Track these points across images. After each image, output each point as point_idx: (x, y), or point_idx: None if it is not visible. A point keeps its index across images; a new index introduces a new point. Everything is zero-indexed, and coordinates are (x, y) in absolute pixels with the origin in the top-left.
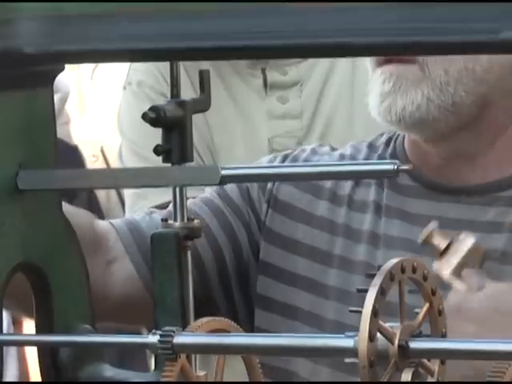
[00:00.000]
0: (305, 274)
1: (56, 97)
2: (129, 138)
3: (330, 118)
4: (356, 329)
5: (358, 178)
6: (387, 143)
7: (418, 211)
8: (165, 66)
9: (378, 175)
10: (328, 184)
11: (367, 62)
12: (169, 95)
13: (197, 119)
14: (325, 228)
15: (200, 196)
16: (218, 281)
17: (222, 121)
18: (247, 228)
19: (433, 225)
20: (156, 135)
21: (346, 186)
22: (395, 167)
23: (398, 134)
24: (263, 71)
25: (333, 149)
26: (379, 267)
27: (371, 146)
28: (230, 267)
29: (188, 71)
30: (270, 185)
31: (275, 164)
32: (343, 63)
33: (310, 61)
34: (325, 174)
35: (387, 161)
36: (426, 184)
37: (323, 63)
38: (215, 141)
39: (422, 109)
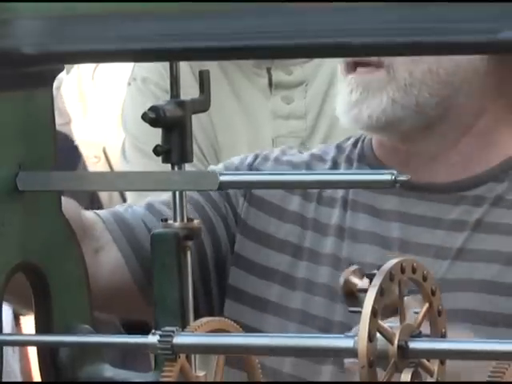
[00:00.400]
0: (277, 268)
1: None
2: (132, 133)
3: (335, 118)
4: (321, 319)
5: (354, 187)
6: (354, 144)
7: (384, 206)
8: None
9: (375, 185)
10: None
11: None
12: None
13: (201, 118)
14: (296, 222)
15: None
16: (199, 274)
17: (227, 120)
18: (225, 222)
19: (352, 268)
20: (159, 132)
21: None
22: (393, 177)
23: (365, 136)
24: (268, 71)
25: (300, 152)
26: (379, 267)
27: (339, 148)
28: (210, 260)
29: (194, 70)
30: None
31: (273, 171)
32: None
33: (316, 61)
34: (323, 183)
35: (385, 171)
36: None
37: (329, 63)
38: (219, 139)
39: (387, 112)
